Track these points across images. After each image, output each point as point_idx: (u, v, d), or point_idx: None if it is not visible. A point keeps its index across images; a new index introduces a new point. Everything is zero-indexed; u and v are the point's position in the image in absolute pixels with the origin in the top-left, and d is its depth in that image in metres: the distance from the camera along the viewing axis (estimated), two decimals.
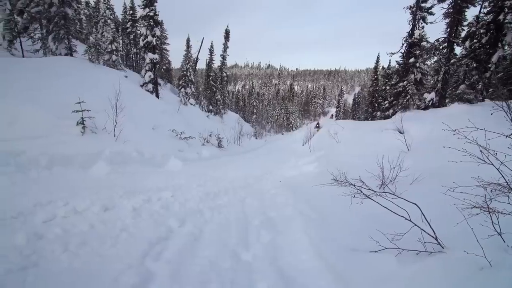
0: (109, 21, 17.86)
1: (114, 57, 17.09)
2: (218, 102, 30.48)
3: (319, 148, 10.52)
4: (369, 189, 2.74)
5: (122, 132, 7.63)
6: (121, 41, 25.35)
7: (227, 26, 29.99)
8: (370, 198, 2.70)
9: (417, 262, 2.18)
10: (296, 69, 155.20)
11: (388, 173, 4.48)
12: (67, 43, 15.11)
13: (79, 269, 2.34)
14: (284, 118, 56.44)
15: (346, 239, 2.96)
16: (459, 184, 2.43)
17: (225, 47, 30.30)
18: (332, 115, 46.69)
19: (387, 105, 15.99)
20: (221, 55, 30.86)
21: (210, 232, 3.33)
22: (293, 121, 56.82)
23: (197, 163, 9.44)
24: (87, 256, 2.53)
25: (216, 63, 31.55)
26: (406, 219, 2.39)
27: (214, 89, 30.19)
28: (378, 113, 20.57)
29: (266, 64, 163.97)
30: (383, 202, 2.65)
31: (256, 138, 28.86)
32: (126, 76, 15.37)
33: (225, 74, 32.54)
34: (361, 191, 2.76)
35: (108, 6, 25.69)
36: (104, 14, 17.76)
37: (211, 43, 30.83)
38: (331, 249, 2.81)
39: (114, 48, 17.05)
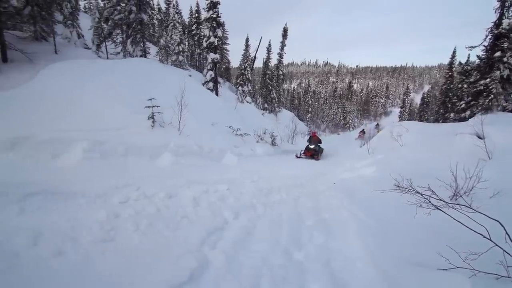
0: (177, 24, 19.40)
1: (180, 58, 18.55)
2: (273, 100, 30.67)
3: (379, 151, 9.81)
4: (440, 200, 2.46)
5: (185, 126, 8.25)
6: (186, 43, 27.31)
7: (286, 24, 29.85)
8: (440, 210, 2.43)
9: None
10: (357, 66, 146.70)
11: (463, 183, 3.95)
12: (142, 45, 16.94)
13: (147, 247, 2.63)
14: (341, 118, 54.02)
15: (408, 252, 2.72)
16: None
17: (283, 45, 30.24)
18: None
19: (463, 105, 14.04)
20: (278, 54, 30.91)
21: (262, 227, 3.39)
22: (350, 121, 54.04)
23: (251, 159, 9.68)
24: (154, 236, 2.82)
25: (273, 61, 31.77)
26: (484, 237, 2.09)
27: (270, 88, 30.45)
28: (452, 114, 18.21)
29: (323, 62, 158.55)
30: (455, 215, 2.36)
31: None
32: (190, 75, 16.57)
33: (281, 72, 32.56)
34: (430, 201, 2.50)
35: (177, 11, 27.89)
36: (173, 18, 19.35)
37: (269, 42, 31.13)
38: (390, 260, 2.61)
39: (180, 49, 18.50)
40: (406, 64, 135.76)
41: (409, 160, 7.09)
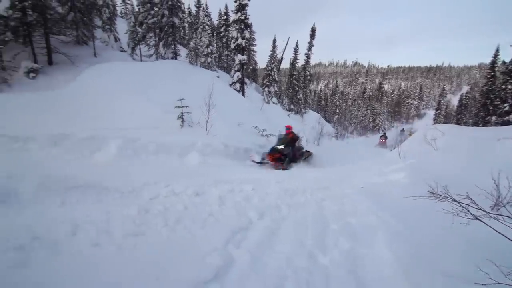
0: (206, 27, 19.90)
1: (209, 59, 19.00)
2: (300, 101, 30.38)
3: (411, 155, 9.32)
4: (479, 209, 2.29)
5: (212, 126, 8.43)
6: (215, 44, 27.88)
7: (314, 24, 29.43)
8: (479, 220, 2.26)
9: None
10: (388, 66, 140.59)
11: (506, 192, 3.64)
12: (173, 48, 17.59)
13: (175, 243, 2.71)
14: (370, 120, 52.18)
15: (442, 263, 2.56)
16: None
17: (310, 45, 29.83)
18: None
19: (507, 108, 13.00)
20: (305, 54, 30.57)
21: (287, 229, 3.37)
22: (380, 123, 52.02)
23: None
24: (181, 232, 2.92)
25: (300, 62, 31.48)
26: None
27: (297, 88, 30.20)
28: (493, 118, 16.87)
29: (352, 62, 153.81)
30: (497, 226, 2.19)
31: (337, 139, 27.61)
32: (218, 76, 16.91)
33: (308, 73, 32.15)
34: (468, 210, 2.34)
35: (206, 14, 28.61)
36: (203, 21, 19.87)
37: (296, 43, 30.90)
38: (421, 270, 2.48)
39: (209, 51, 18.95)
40: (442, 64, 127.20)
41: (444, 165, 6.67)
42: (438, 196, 2.67)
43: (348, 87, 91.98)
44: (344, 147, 19.87)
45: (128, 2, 30.40)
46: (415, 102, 72.81)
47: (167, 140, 6.76)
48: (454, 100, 67.23)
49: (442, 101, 55.11)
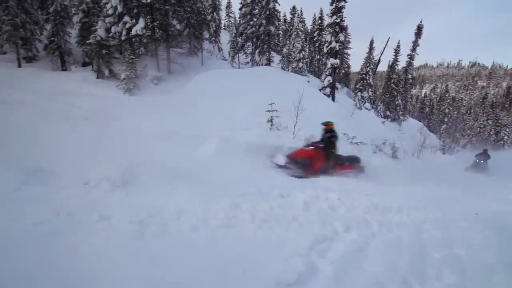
0: (300, 32, 20.17)
1: (300, 64, 19.19)
2: (398, 108, 27.30)
3: None
4: None
5: (300, 131, 8.48)
6: (307, 49, 27.93)
7: (420, 22, 26.00)
8: None
9: None
10: None
11: None
12: (267, 55, 18.54)
13: (260, 240, 2.85)
14: (491, 132, 42.38)
15: None
16: None
17: (415, 45, 26.42)
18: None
19: None
20: (408, 55, 27.26)
21: (376, 247, 3.09)
22: (506, 137, 41.66)
23: (366, 170, 8.95)
24: (267, 231, 3.03)
25: (401, 64, 28.30)
26: None
27: (395, 93, 27.26)
28: None
29: (469, 62, 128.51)
30: None
31: (444, 153, 23.55)
32: (308, 81, 16.91)
33: (410, 76, 28.58)
34: None
35: (301, 19, 28.96)
36: (297, 27, 20.21)
37: (398, 43, 27.88)
38: None
39: (301, 56, 19.13)
40: None
41: None
42: None
43: (462, 92, 77.47)
44: (456, 164, 16.74)
45: (232, 15, 33.66)
46: None
47: (256, 141, 7.19)
48: None
49: None
